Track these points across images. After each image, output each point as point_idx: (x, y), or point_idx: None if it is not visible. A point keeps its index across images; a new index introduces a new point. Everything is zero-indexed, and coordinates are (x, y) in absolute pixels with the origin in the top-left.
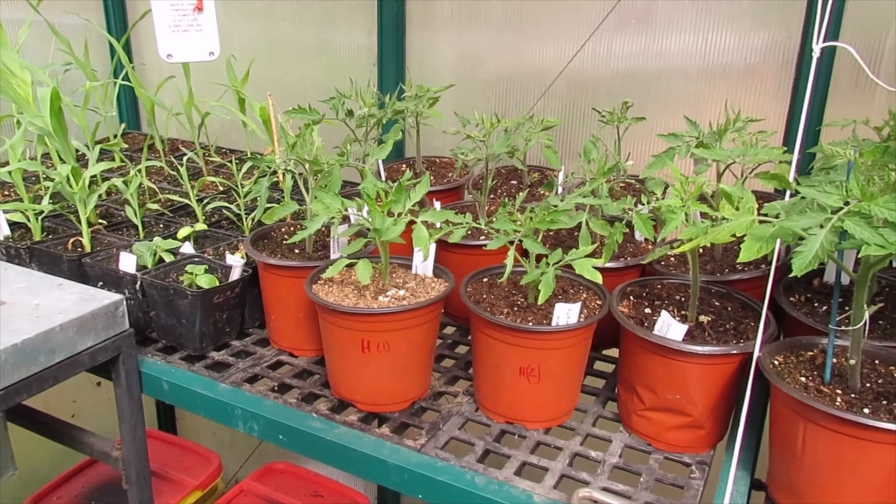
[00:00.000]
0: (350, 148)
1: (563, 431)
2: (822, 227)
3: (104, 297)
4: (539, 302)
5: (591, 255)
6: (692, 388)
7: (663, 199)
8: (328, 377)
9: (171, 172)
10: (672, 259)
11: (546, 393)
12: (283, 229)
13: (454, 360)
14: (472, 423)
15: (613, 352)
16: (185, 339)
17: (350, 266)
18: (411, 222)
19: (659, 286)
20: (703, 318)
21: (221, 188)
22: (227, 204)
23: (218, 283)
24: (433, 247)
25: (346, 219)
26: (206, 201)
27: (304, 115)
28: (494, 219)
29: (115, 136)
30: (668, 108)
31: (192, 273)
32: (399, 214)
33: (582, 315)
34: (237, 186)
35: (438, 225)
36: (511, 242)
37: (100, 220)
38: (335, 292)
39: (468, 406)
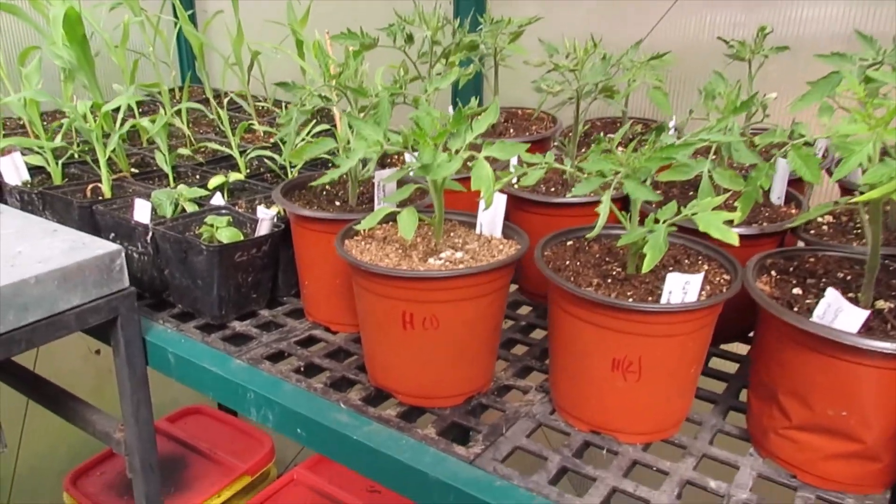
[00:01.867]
0: (406, 76)
1: (670, 449)
2: None
3: (98, 247)
4: (644, 269)
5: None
6: (868, 402)
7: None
8: (364, 359)
9: (219, 124)
10: (824, 227)
11: (648, 396)
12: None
13: (527, 347)
14: (545, 430)
15: (736, 347)
16: (201, 305)
17: (393, 218)
18: (472, 160)
19: (812, 259)
20: (881, 305)
21: (270, 139)
22: (270, 153)
23: (242, 239)
24: (502, 200)
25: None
26: (249, 151)
27: (354, 39)
28: (586, 159)
29: (178, 89)
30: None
31: (211, 225)
32: (457, 151)
33: (703, 292)
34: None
35: (512, 166)
36: (607, 187)
37: (132, 169)
38: (373, 251)
39: (542, 406)
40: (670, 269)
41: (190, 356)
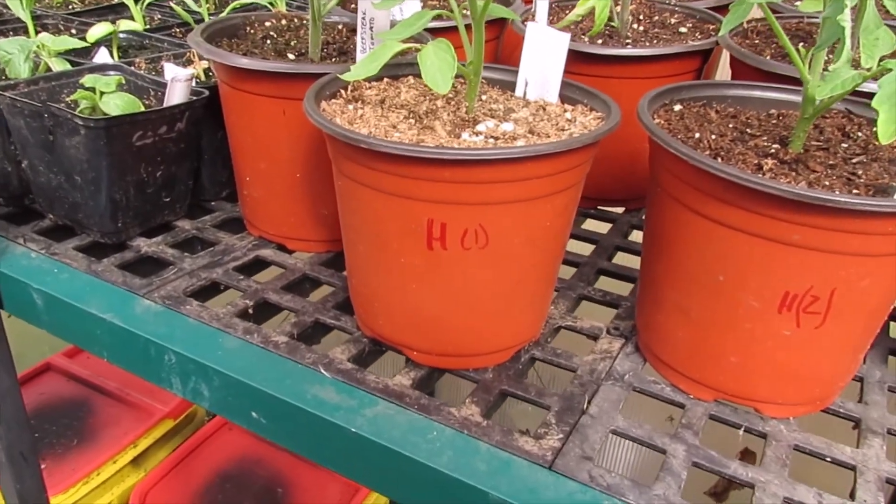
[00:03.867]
0: None
1: (834, 424)
2: None
3: None
4: (883, 138)
5: None
6: None
7: None
8: (351, 295)
9: None
10: None
11: (827, 349)
12: (268, 23)
13: (574, 268)
14: (638, 399)
15: None
16: (85, 214)
17: (392, 73)
18: None
19: None
20: None
21: None
22: None
23: (143, 110)
24: (563, 43)
25: None
26: None
27: None
28: None
29: None
30: None
31: (92, 89)
32: None
33: None
34: None
35: None
36: None
37: None
38: (370, 119)
39: (628, 361)
40: (844, 144)
41: (68, 295)
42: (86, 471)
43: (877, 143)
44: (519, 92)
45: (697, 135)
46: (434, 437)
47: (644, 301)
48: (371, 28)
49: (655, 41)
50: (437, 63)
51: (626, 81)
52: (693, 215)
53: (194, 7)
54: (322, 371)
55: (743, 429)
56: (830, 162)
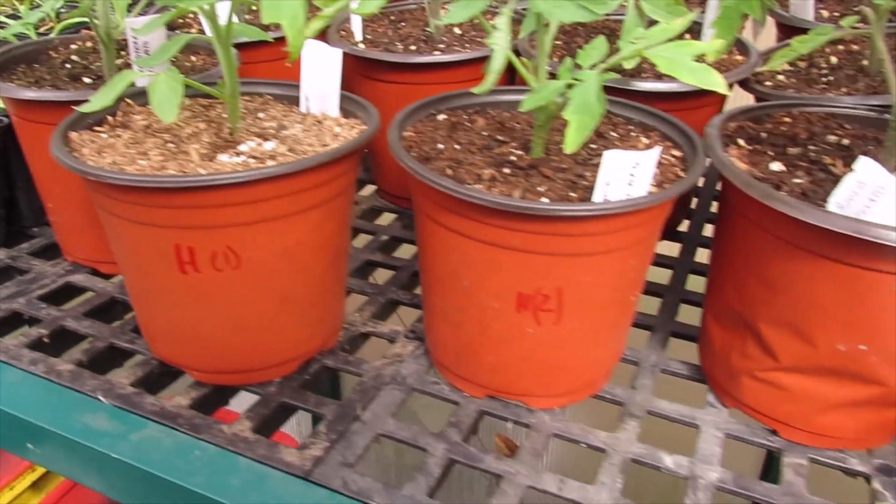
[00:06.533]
0: None
1: (602, 408)
2: None
3: None
4: (568, 148)
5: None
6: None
7: None
8: (138, 321)
9: None
10: (780, 76)
11: (572, 341)
12: (74, 45)
13: (393, 271)
14: (422, 400)
15: (666, 247)
16: None
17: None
18: None
19: (787, 119)
20: None
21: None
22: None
23: None
24: (335, 58)
25: None
26: None
27: None
28: None
29: None
30: None
31: None
32: None
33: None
34: None
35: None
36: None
37: None
38: (119, 147)
39: (415, 363)
40: (594, 146)
41: None
42: None
43: (619, 143)
44: (303, 107)
45: (441, 146)
46: (196, 456)
47: (424, 306)
48: (146, 51)
49: (467, 45)
50: (165, 91)
51: (437, 87)
52: (434, 224)
53: (21, 30)
54: (100, 397)
55: (512, 422)
56: (563, 166)
